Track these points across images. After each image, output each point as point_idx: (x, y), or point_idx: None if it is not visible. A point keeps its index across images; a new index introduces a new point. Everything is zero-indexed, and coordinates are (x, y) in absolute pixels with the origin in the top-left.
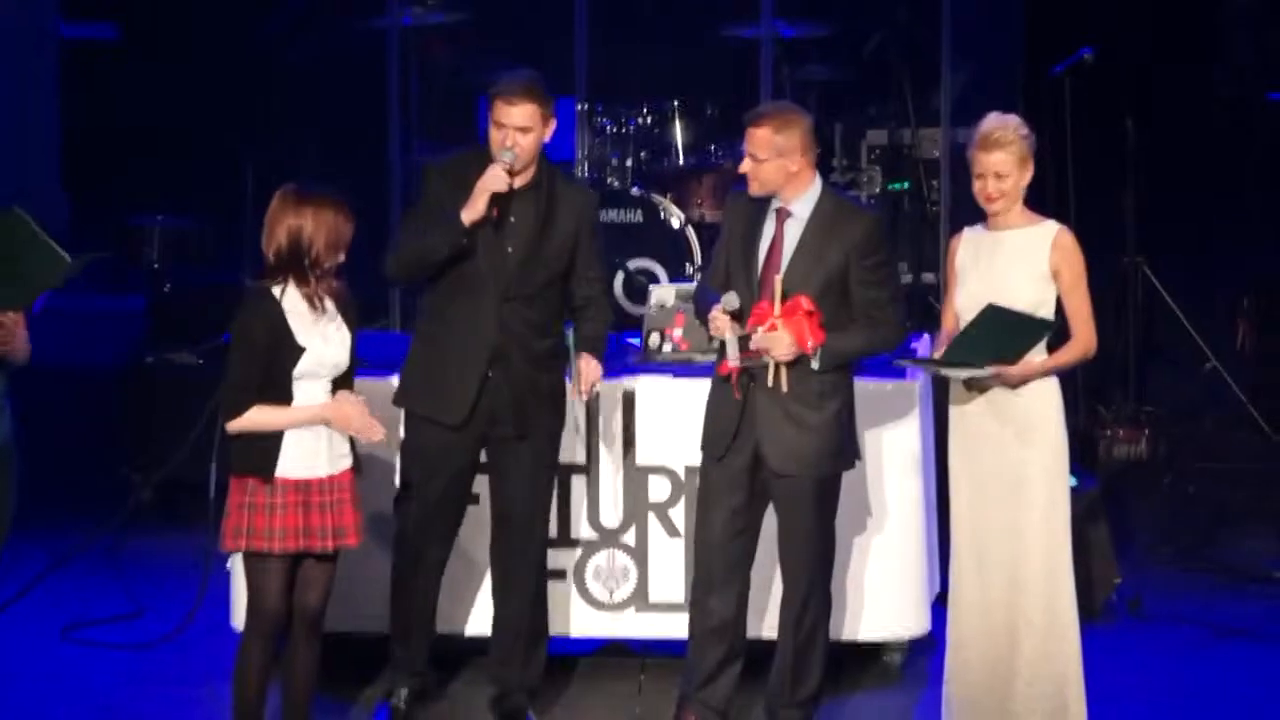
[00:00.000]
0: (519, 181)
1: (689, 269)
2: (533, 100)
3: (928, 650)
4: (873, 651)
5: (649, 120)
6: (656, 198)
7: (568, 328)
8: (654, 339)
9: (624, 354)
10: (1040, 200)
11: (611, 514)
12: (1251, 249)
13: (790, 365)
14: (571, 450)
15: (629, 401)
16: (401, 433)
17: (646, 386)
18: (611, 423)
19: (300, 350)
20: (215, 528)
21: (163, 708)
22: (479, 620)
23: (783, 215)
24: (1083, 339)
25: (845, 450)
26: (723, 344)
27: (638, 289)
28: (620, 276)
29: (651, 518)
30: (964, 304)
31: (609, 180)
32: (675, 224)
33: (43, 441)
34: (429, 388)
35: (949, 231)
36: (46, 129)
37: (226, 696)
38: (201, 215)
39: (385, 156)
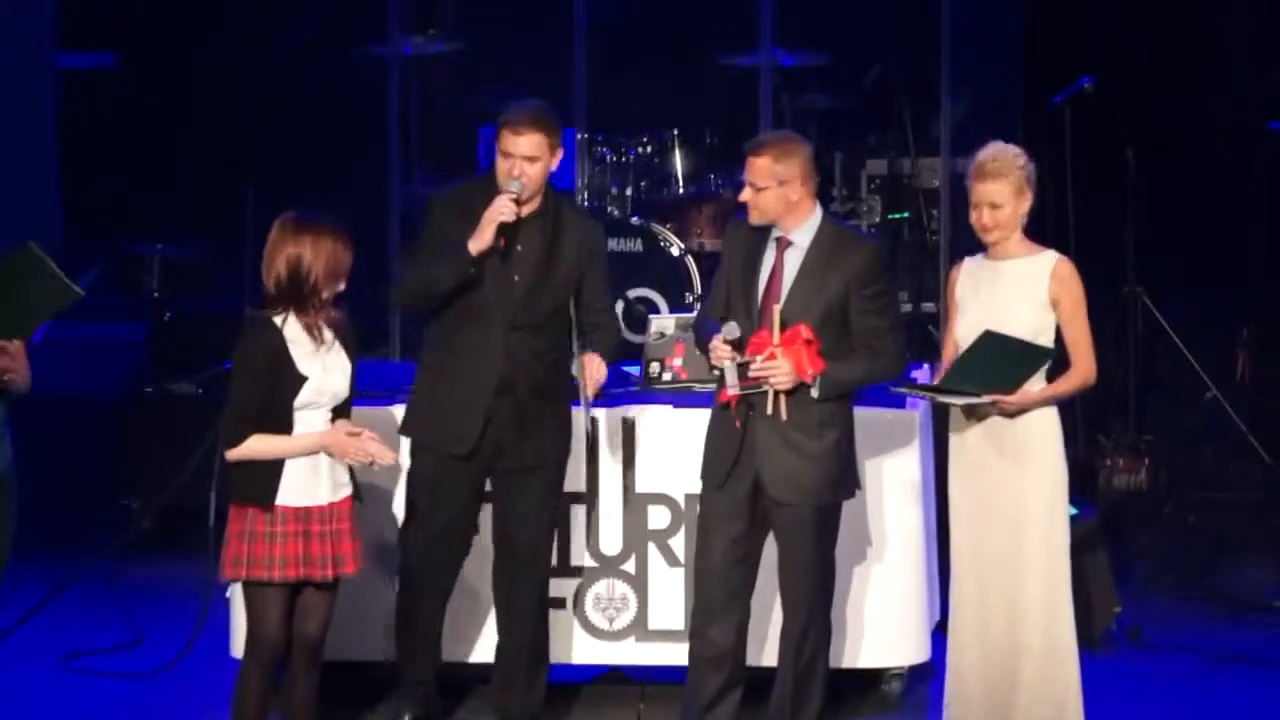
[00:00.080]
0: (526, 210)
1: (689, 298)
2: (540, 130)
3: (928, 678)
4: (873, 679)
5: (649, 149)
6: (656, 227)
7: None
8: (654, 368)
9: (624, 383)
10: (1040, 230)
11: (611, 542)
12: (1251, 279)
13: (789, 394)
14: (572, 479)
15: (629, 430)
16: (407, 461)
17: (646, 415)
18: (611, 451)
19: (302, 379)
20: (215, 556)
21: None
22: (485, 648)
23: (783, 244)
24: (1082, 368)
25: (845, 479)
26: (722, 372)
27: (637, 318)
28: (620, 306)
29: (651, 546)
30: (964, 333)
31: (609, 209)
32: (675, 253)
33: (43, 470)
34: (436, 417)
35: (949, 261)
36: (45, 158)
37: None
38: (201, 244)
39: (385, 185)
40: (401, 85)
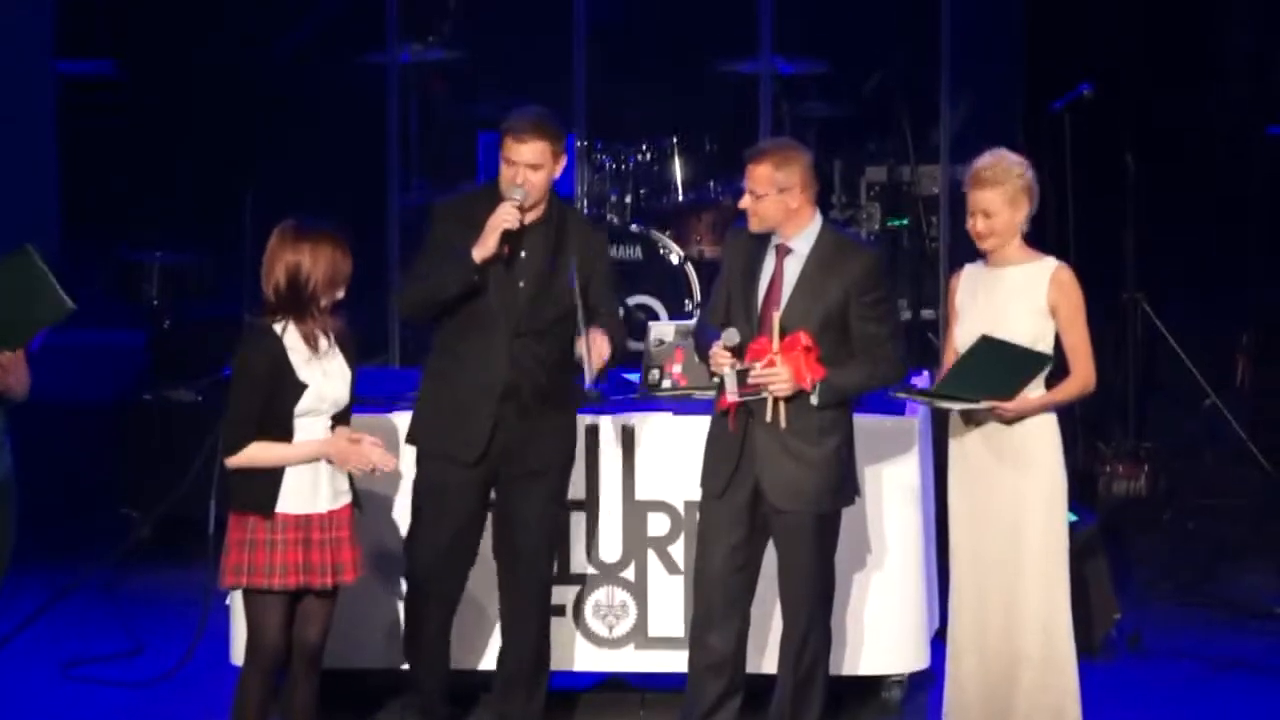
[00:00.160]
0: (530, 217)
1: (688, 305)
2: (543, 137)
3: (927, 684)
4: (872, 686)
5: (648, 157)
6: (656, 234)
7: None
8: (653, 375)
9: (623, 390)
10: (1040, 236)
11: (611, 549)
12: (1251, 284)
13: (789, 401)
14: (572, 486)
15: (628, 437)
16: (413, 469)
17: (646, 422)
18: (611, 458)
19: (302, 387)
20: (215, 564)
21: None
22: (494, 655)
23: (782, 251)
24: (1081, 375)
25: (845, 486)
26: (722, 379)
27: (637, 325)
28: (620, 313)
29: (651, 553)
30: (963, 340)
31: (608, 217)
32: (674, 260)
33: (42, 477)
34: (441, 425)
35: (948, 268)
36: (45, 166)
37: None
38: (200, 251)
39: (384, 192)
40: (400, 92)
